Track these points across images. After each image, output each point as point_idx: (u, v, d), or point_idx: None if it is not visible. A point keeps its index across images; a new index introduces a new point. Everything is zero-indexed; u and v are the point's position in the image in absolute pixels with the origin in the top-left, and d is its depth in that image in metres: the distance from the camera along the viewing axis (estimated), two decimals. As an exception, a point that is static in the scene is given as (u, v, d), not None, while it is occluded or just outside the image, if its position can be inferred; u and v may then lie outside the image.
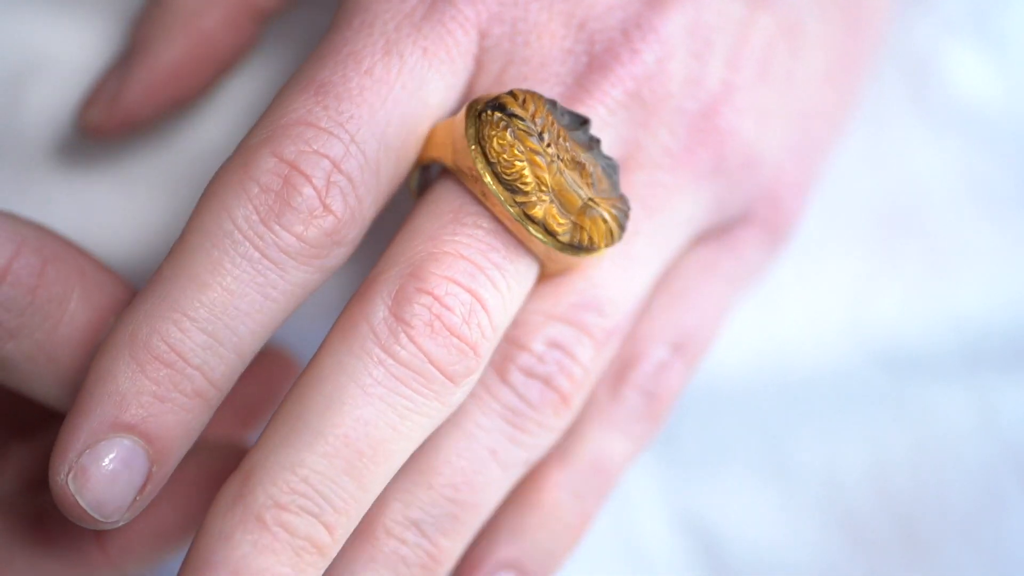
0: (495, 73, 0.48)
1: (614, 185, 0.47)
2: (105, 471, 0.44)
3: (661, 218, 0.49)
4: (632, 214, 0.49)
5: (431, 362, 0.44)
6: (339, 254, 0.46)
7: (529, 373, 0.47)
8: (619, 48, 0.49)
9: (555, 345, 0.48)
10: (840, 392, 0.60)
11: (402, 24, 0.47)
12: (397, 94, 0.46)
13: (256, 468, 0.44)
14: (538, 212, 0.45)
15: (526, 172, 0.45)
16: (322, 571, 0.44)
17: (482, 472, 0.47)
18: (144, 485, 0.44)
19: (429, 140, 0.47)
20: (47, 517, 0.50)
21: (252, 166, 0.45)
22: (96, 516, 0.44)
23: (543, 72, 0.48)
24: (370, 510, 0.46)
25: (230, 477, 0.44)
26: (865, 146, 0.60)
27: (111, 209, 0.58)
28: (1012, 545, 0.59)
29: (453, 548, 0.47)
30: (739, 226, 0.53)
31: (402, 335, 0.44)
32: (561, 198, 0.46)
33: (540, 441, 0.48)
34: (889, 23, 0.58)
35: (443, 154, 0.46)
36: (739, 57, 0.51)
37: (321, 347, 0.45)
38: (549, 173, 0.46)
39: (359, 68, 0.46)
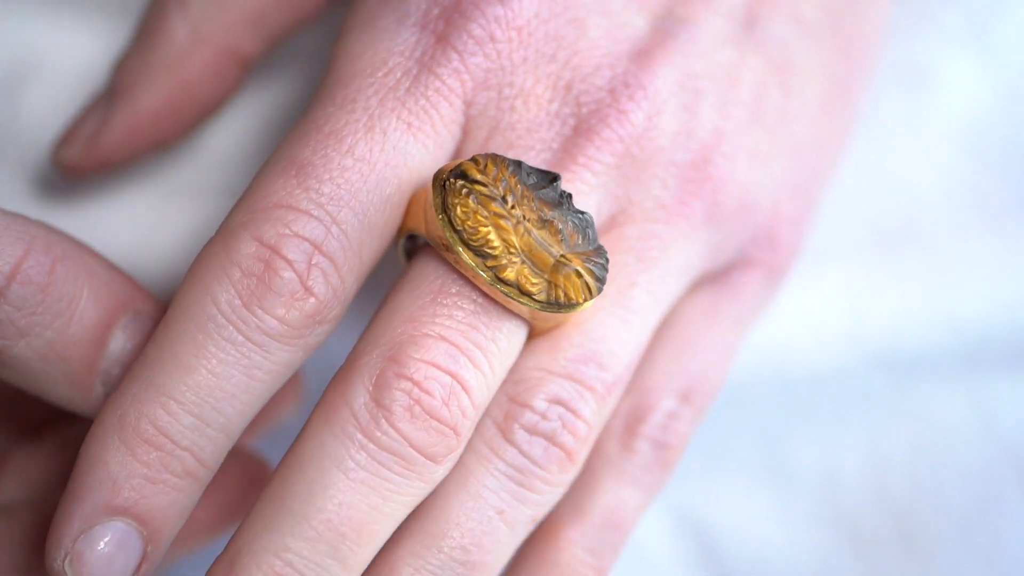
0: (481, 140, 0.48)
1: (589, 239, 0.47)
2: (100, 555, 0.45)
3: (657, 269, 0.49)
4: (628, 267, 0.48)
5: (412, 446, 0.45)
6: (322, 332, 0.46)
7: (532, 431, 0.47)
8: (606, 109, 0.48)
9: (557, 401, 0.47)
10: (839, 393, 0.60)
11: (386, 99, 0.47)
12: (380, 171, 0.46)
13: (242, 553, 0.45)
14: (510, 275, 0.45)
15: (492, 236, 0.45)
16: None
17: (490, 532, 0.47)
18: (140, 565, 0.45)
19: (407, 211, 0.47)
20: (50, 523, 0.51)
21: (233, 250, 0.45)
22: None
23: (529, 138, 0.48)
24: (380, 575, 0.46)
25: (217, 559, 0.45)
26: (864, 154, 0.60)
27: (109, 212, 0.59)
28: (1010, 546, 0.59)
29: None
30: (737, 269, 0.53)
31: (382, 420, 0.45)
32: (532, 258, 0.46)
33: (546, 498, 0.48)
34: (884, 36, 0.57)
35: (418, 225, 0.47)
36: (730, 103, 0.50)
37: (304, 429, 0.45)
38: (516, 235, 0.46)
39: (340, 147, 0.46)
